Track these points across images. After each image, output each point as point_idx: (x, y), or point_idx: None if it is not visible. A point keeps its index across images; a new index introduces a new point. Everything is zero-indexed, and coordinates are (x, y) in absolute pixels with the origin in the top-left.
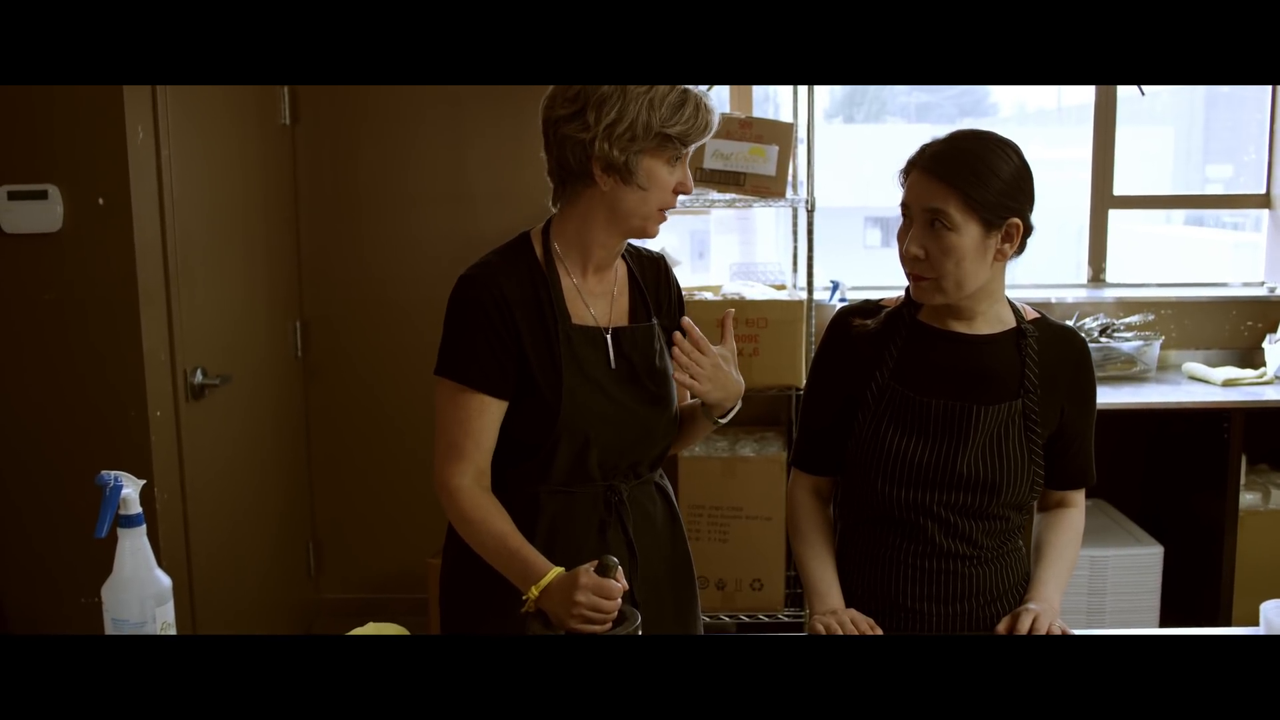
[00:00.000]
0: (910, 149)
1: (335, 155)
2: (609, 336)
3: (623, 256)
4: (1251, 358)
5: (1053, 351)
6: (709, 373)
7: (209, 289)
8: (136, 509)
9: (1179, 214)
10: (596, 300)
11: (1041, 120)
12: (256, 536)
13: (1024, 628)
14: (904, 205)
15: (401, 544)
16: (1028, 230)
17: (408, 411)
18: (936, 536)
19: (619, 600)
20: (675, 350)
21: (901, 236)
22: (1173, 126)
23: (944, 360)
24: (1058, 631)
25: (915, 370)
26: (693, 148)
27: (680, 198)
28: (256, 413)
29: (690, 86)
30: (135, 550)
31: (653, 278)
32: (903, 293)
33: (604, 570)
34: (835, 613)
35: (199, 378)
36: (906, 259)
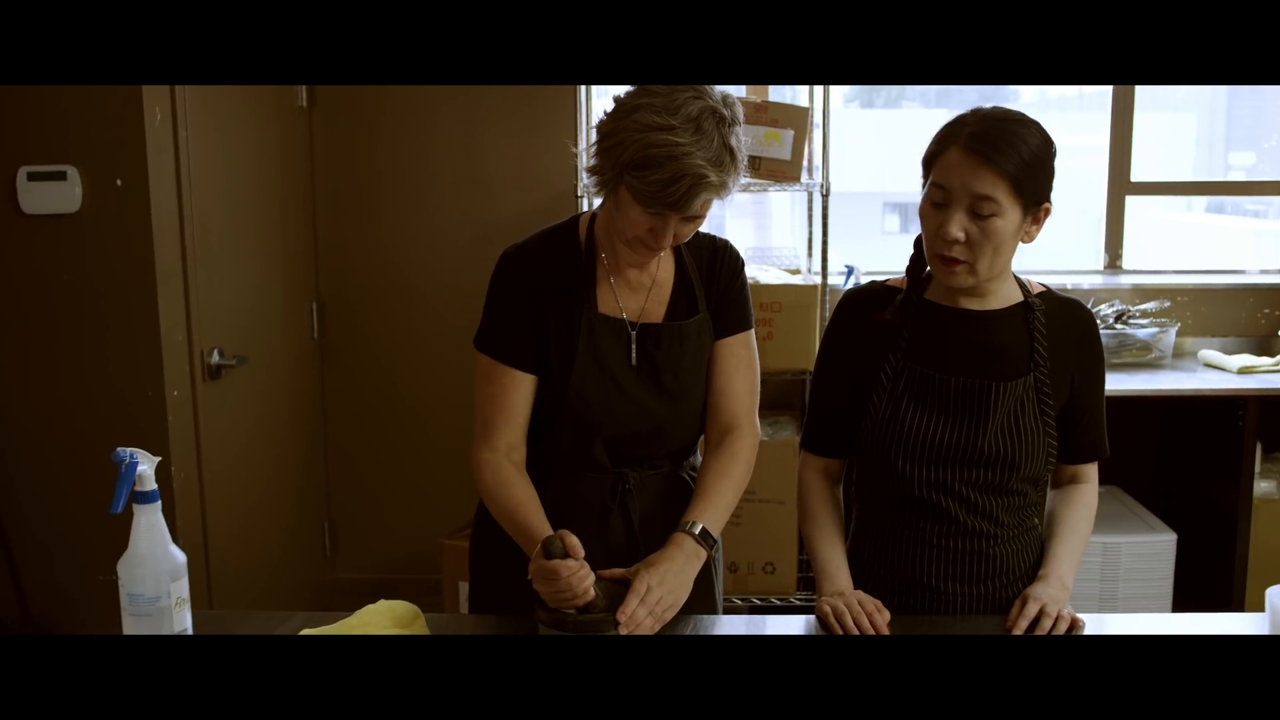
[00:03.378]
0: (931, 134)
1: (352, 138)
2: (634, 332)
3: (675, 249)
4: (1268, 345)
5: (1060, 324)
6: (657, 612)
7: (226, 270)
8: (152, 485)
9: (1200, 201)
10: (631, 294)
11: (1063, 106)
12: (272, 516)
13: (1031, 615)
14: (939, 186)
15: (416, 525)
16: (1049, 213)
17: (424, 393)
18: (960, 515)
19: (577, 573)
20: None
21: (928, 213)
22: (1194, 113)
23: (957, 337)
24: (1066, 617)
25: (930, 349)
26: (674, 214)
27: None
28: (273, 393)
29: (710, 172)
30: (150, 526)
31: (708, 264)
32: (905, 273)
33: (547, 554)
34: (842, 594)
35: (216, 358)
36: (944, 241)
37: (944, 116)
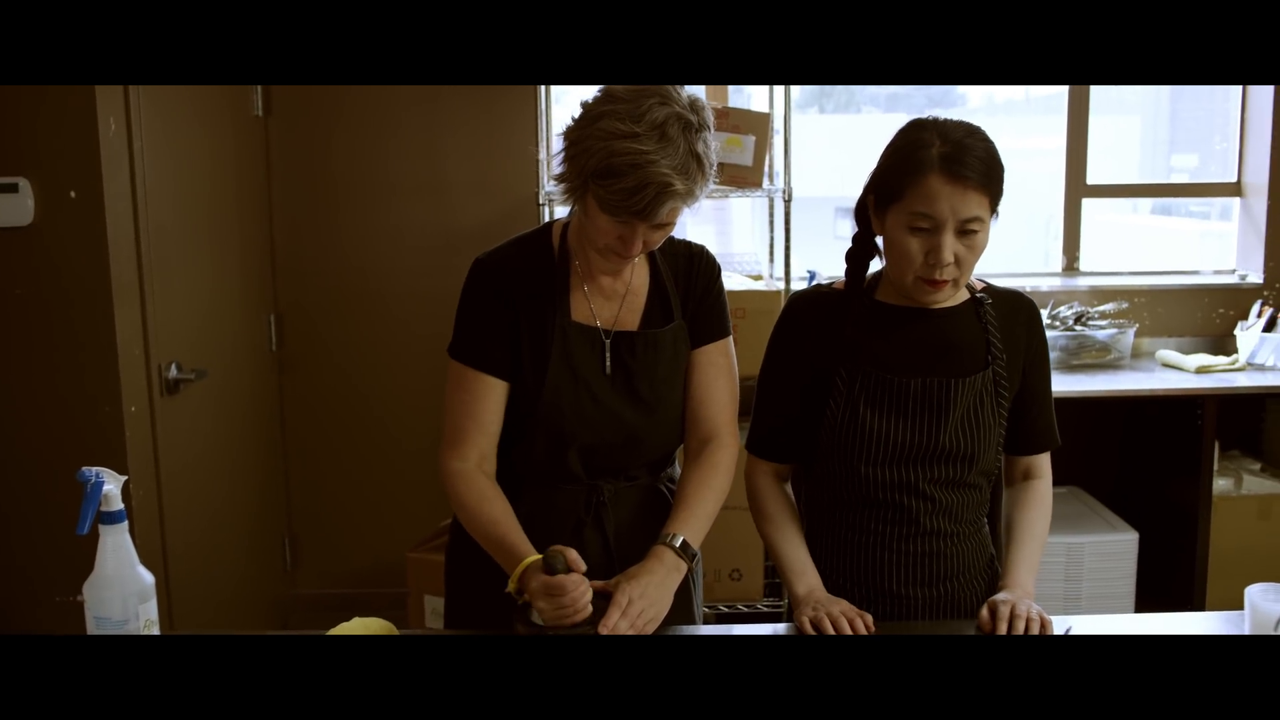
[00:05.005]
0: (883, 139)
1: (309, 146)
2: (608, 340)
3: (650, 255)
4: (1224, 345)
5: (1007, 315)
6: (638, 625)
7: (183, 282)
8: (118, 505)
9: (1145, 203)
10: (605, 301)
11: (1010, 110)
12: (232, 532)
13: (1004, 616)
14: (923, 214)
15: (380, 537)
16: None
17: (386, 403)
18: (922, 516)
19: (580, 589)
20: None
21: (905, 239)
22: (1139, 116)
23: (912, 337)
24: (1035, 616)
25: (884, 350)
26: (641, 222)
27: None
28: (232, 407)
29: (675, 180)
30: (117, 547)
31: (684, 271)
32: (845, 287)
33: (550, 569)
34: (820, 604)
35: (174, 372)
36: (938, 267)
37: (898, 122)
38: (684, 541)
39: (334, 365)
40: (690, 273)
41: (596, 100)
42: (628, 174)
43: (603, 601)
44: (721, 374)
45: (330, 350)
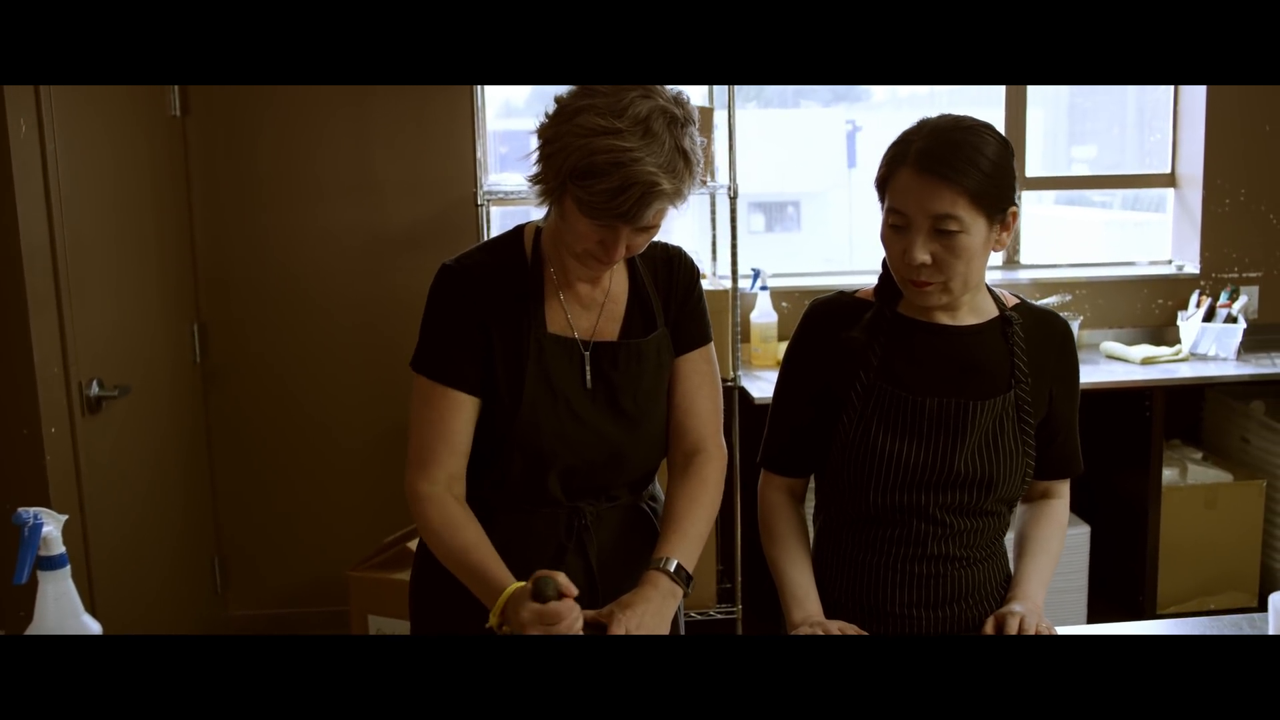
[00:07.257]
0: (792, 134)
1: (230, 147)
2: (587, 353)
3: (629, 260)
4: (1163, 335)
5: (1037, 337)
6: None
7: (102, 294)
8: (59, 549)
9: (1049, 194)
10: (582, 311)
11: (914, 105)
12: (159, 555)
13: (1011, 631)
14: (895, 210)
15: (317, 555)
16: (1017, 215)
17: (319, 414)
18: (930, 541)
19: (573, 615)
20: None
21: (889, 238)
22: (1042, 109)
23: (931, 355)
24: (1045, 628)
25: (902, 366)
26: (625, 225)
27: None
28: (156, 424)
29: (662, 179)
30: (59, 595)
31: (664, 275)
32: (874, 294)
33: (540, 595)
34: (820, 623)
35: (95, 389)
36: (911, 267)
37: (804, 116)
38: (678, 565)
39: (262, 376)
40: (670, 276)
41: (573, 94)
42: (610, 173)
43: (597, 632)
44: (706, 382)
45: (258, 360)
